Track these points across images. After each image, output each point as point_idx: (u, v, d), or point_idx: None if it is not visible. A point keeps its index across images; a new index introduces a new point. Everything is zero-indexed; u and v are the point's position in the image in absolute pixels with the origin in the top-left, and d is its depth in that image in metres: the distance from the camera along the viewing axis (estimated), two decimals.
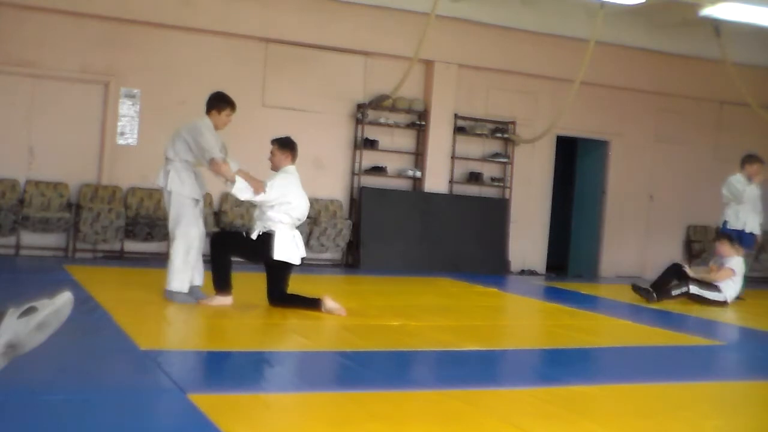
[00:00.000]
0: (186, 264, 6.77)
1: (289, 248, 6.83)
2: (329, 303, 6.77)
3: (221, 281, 6.83)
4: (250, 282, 7.22)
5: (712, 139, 13.80)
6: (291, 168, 6.98)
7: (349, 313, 6.76)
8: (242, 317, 6.50)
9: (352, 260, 11.49)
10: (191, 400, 3.74)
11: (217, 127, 6.87)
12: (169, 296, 6.74)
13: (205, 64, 10.73)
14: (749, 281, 10.44)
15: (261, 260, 6.86)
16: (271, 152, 7.01)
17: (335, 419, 3.73)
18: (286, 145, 7.01)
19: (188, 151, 6.76)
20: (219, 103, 6.92)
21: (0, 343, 2.66)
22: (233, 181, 6.65)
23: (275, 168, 7.00)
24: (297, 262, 6.93)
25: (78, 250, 10.18)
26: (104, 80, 10.40)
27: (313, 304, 6.77)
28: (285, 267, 6.87)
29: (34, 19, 10.01)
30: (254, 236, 6.80)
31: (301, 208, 6.94)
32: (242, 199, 6.79)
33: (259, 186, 6.71)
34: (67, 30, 10.16)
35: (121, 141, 10.48)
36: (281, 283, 6.86)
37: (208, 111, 6.92)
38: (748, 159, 10.27)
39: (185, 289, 6.78)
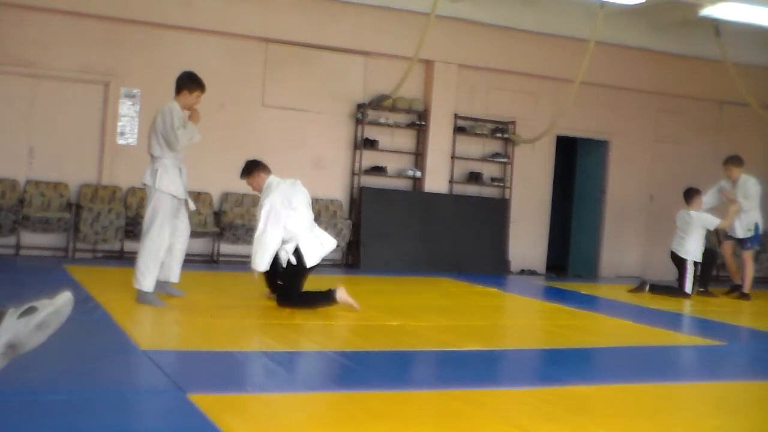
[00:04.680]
0: (156, 263, 6.59)
1: (316, 250, 6.85)
2: (343, 294, 6.74)
3: (323, 296, 6.78)
4: (250, 281, 7.20)
5: (712, 139, 13.80)
6: (270, 179, 6.96)
7: (349, 313, 6.76)
8: (242, 317, 6.50)
9: (352, 260, 11.48)
10: (191, 400, 3.74)
11: (185, 107, 6.77)
12: (142, 297, 6.54)
13: (205, 64, 10.64)
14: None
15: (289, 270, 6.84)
16: (249, 183, 7.08)
17: (335, 419, 3.73)
18: (252, 169, 7.04)
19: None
20: (191, 83, 6.78)
21: (0, 343, 2.65)
22: None
23: (259, 189, 7.00)
24: (313, 263, 6.89)
25: (78, 250, 10.18)
26: (104, 80, 10.40)
27: (327, 297, 6.72)
28: (298, 272, 6.83)
29: (34, 19, 10.01)
30: (285, 264, 6.77)
31: (305, 213, 6.92)
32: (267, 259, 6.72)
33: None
34: (67, 30, 10.16)
35: (121, 141, 10.48)
36: (299, 284, 6.84)
37: (179, 92, 6.78)
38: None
39: (151, 289, 6.58)
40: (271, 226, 6.65)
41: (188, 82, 6.78)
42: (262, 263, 6.67)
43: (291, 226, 6.74)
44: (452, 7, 11.25)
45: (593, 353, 6.09)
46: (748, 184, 10.19)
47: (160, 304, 6.54)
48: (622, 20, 11.84)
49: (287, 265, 6.76)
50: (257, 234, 6.70)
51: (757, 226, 10.18)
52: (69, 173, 10.25)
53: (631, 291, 10.02)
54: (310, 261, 6.79)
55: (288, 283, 6.79)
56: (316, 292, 6.82)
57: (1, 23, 9.87)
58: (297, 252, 6.75)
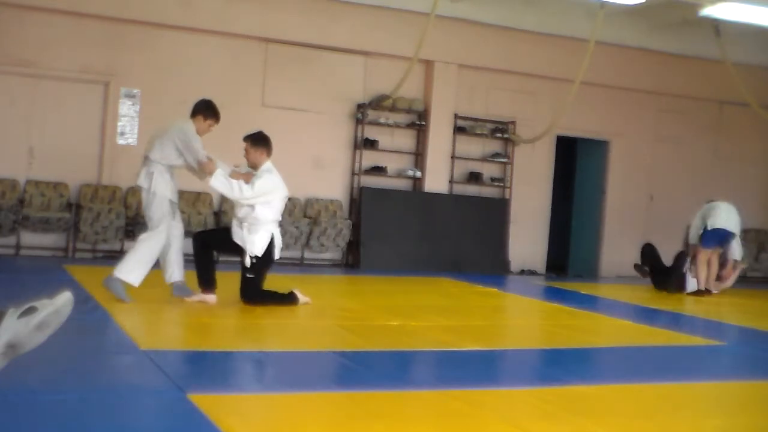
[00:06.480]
0: (150, 263, 6.68)
1: (279, 246, 6.94)
2: (300, 296, 6.95)
3: (206, 279, 6.85)
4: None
5: (712, 139, 13.80)
6: (269, 165, 6.94)
7: (349, 313, 6.77)
8: (242, 317, 6.51)
9: (352, 260, 11.48)
10: (191, 400, 3.74)
11: (198, 133, 6.85)
12: (112, 283, 6.53)
13: (205, 64, 10.72)
14: (749, 281, 10.48)
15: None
16: (245, 149, 6.95)
17: (335, 419, 3.73)
18: (259, 142, 6.95)
19: (178, 157, 6.78)
20: (207, 111, 6.91)
21: (0, 343, 2.65)
22: (211, 174, 6.60)
23: (253, 166, 6.94)
24: (277, 257, 7.01)
25: (78, 250, 10.18)
26: (104, 80, 10.40)
27: (289, 299, 6.91)
28: (267, 264, 6.89)
29: (34, 19, 10.01)
30: (257, 255, 6.75)
31: (281, 207, 6.98)
32: (218, 189, 6.71)
33: (247, 178, 6.76)
34: (67, 30, 10.16)
35: (121, 141, 10.48)
36: (263, 277, 6.91)
37: (194, 115, 6.90)
38: None
39: (137, 284, 6.61)
40: (249, 191, 6.64)
41: (205, 110, 6.93)
42: (219, 182, 6.60)
43: (269, 212, 6.80)
44: (452, 7, 11.24)
45: (593, 353, 6.09)
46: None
47: (126, 298, 6.51)
48: (622, 20, 11.83)
49: (257, 257, 6.77)
50: (244, 193, 6.63)
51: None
52: (69, 173, 10.25)
53: (636, 267, 10.56)
54: (276, 254, 6.93)
55: (255, 274, 6.79)
56: (279, 293, 6.93)
57: (1, 23, 9.86)
58: (271, 242, 6.82)
